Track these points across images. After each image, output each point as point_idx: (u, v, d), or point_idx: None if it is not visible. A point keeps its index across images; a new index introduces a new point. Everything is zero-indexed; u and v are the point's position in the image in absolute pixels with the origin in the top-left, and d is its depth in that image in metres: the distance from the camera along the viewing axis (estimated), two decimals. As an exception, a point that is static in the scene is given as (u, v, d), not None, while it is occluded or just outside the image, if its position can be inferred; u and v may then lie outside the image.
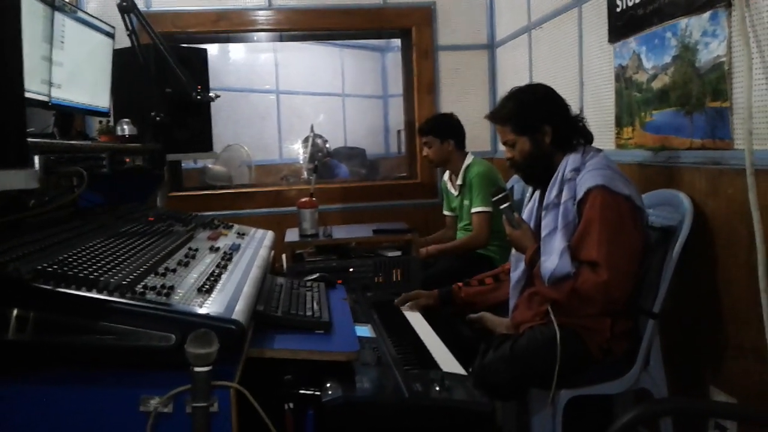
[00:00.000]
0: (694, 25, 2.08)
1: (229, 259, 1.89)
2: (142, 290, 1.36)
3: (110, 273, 1.40)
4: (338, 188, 4.19)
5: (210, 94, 2.70)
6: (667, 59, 2.24)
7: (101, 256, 1.54)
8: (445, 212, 3.71)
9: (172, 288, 1.42)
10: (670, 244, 2.06)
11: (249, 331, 1.47)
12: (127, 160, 2.19)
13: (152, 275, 1.51)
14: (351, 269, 2.82)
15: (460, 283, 2.39)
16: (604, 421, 2.34)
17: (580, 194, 1.97)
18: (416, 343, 2.05)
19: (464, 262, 3.32)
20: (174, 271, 1.60)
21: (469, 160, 3.44)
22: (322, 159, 5.14)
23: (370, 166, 6.55)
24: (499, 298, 2.35)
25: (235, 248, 2.07)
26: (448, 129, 3.46)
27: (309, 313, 1.82)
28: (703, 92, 2.05)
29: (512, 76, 3.89)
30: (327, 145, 5.40)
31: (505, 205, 2.16)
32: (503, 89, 4.07)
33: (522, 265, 2.19)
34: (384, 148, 7.28)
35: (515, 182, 3.46)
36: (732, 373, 1.96)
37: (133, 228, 2.03)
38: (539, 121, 2.09)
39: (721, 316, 2.00)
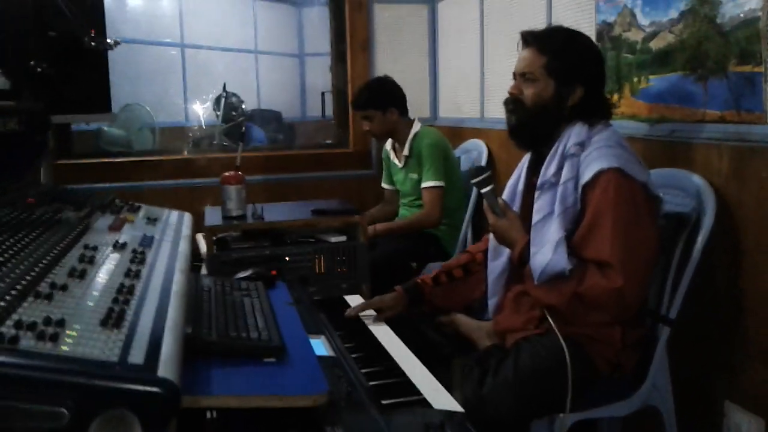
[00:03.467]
0: (715, -29, 1.74)
1: (141, 262, 1.39)
2: (13, 333, 0.86)
3: (-41, 302, 0.90)
4: (260, 157, 3.68)
5: (108, 41, 2.14)
6: (674, 14, 1.89)
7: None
8: (385, 185, 3.31)
9: (61, 323, 0.92)
10: (681, 235, 1.75)
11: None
12: (-5, 123, 1.63)
13: (30, 299, 1.01)
14: (287, 258, 2.36)
15: (425, 278, 1.98)
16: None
17: (587, 176, 1.60)
18: (383, 358, 1.65)
19: (411, 243, 2.95)
20: (63, 288, 1.09)
21: (416, 128, 3.04)
22: (238, 121, 4.59)
23: (288, 130, 6.01)
24: (473, 296, 1.97)
25: (147, 243, 1.57)
26: (388, 96, 3.04)
27: (254, 334, 1.36)
28: (724, 54, 1.72)
29: (456, 36, 3.49)
30: (243, 106, 4.84)
31: (487, 188, 1.76)
32: (445, 51, 3.69)
33: (505, 256, 1.82)
34: (300, 111, 6.74)
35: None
36: (756, 388, 1.67)
37: (4, 216, 1.49)
38: (578, 76, 1.70)
39: (742, 321, 1.71)
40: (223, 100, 4.71)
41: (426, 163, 2.92)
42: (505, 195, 1.87)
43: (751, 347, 1.69)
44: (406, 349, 1.72)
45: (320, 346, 1.63)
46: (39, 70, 2.00)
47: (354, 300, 2.01)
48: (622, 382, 1.68)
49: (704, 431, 1.82)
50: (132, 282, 1.22)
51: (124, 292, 1.14)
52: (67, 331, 0.91)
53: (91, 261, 1.29)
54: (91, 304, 1.06)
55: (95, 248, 1.38)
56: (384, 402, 1.36)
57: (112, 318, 1.00)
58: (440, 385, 1.50)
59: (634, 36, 2.06)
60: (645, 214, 1.59)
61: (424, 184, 2.93)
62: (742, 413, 1.71)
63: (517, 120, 1.75)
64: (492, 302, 1.84)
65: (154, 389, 0.84)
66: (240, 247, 2.38)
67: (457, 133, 3.42)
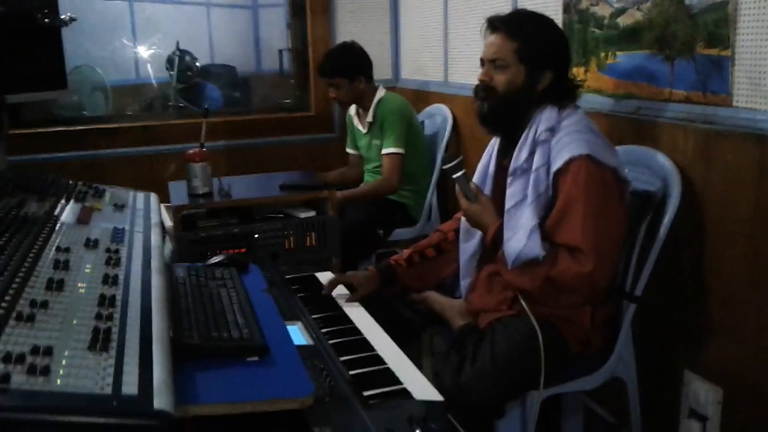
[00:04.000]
0: (683, -49, 1.74)
1: (117, 263, 1.37)
2: (2, 370, 0.85)
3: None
4: (220, 122, 3.59)
5: (62, 17, 2.04)
6: (642, -8, 1.89)
7: None
8: (349, 150, 3.29)
9: (49, 351, 0.91)
10: (646, 214, 1.79)
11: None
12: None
13: (12, 323, 0.99)
14: (256, 235, 2.34)
15: (398, 258, 1.99)
16: (553, 412, 2.13)
17: (558, 163, 1.62)
18: (361, 344, 1.67)
19: (378, 211, 2.97)
20: (44, 305, 1.07)
21: (381, 93, 3.01)
22: (194, 81, 4.48)
23: (243, 86, 5.86)
24: (445, 274, 2.00)
25: (119, 237, 1.54)
26: (355, 64, 2.99)
27: (235, 333, 1.36)
28: (692, 36, 1.74)
29: (419, 2, 3.42)
30: (197, 64, 4.71)
31: (458, 174, 1.76)
32: (407, 12, 3.62)
33: (477, 238, 1.84)
34: (255, 65, 6.56)
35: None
36: (717, 360, 1.76)
37: (-32, 217, 1.44)
38: (548, 61, 1.71)
39: (704, 296, 1.77)
40: (176, 59, 4.56)
41: (388, 129, 2.90)
42: (476, 178, 1.88)
43: (711, 321, 1.77)
44: (383, 332, 1.74)
45: (297, 333, 1.64)
46: (-10, 50, 1.91)
47: (325, 277, 2.01)
48: (590, 358, 1.75)
49: (665, 399, 1.92)
50: (111, 291, 1.20)
51: (105, 305, 1.13)
52: (57, 361, 0.90)
53: (66, 266, 1.27)
54: (74, 322, 1.04)
55: (68, 250, 1.35)
56: (366, 393, 1.38)
57: (99, 340, 0.99)
58: (419, 372, 1.53)
59: (602, 11, 2.06)
60: (614, 199, 1.63)
61: (384, 150, 2.93)
62: (701, 382, 1.80)
63: (489, 107, 1.74)
64: (464, 283, 1.87)
65: (152, 422, 0.85)
66: (208, 225, 2.35)
67: (421, 97, 3.40)
